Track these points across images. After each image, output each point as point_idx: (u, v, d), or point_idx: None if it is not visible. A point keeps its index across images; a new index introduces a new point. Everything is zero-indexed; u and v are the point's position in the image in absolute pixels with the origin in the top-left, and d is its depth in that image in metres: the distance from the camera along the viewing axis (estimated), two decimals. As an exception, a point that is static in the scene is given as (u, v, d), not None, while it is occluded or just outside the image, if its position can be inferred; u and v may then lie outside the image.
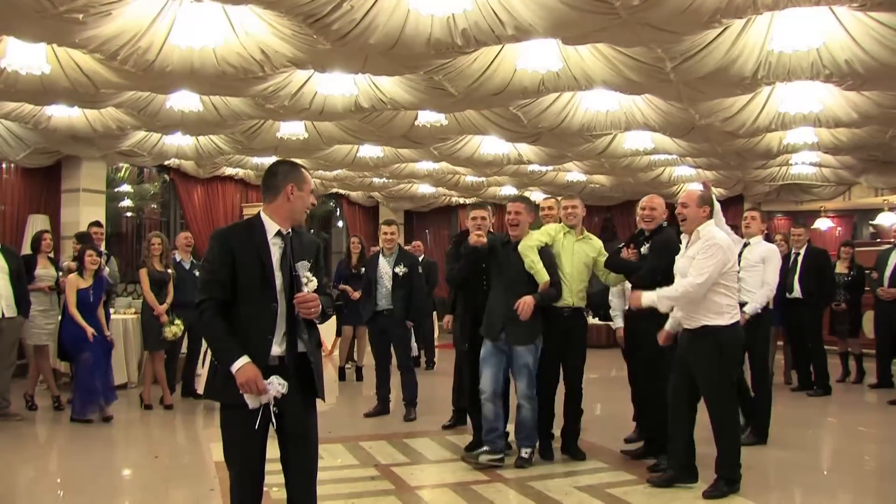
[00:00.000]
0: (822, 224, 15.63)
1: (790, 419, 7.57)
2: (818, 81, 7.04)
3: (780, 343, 10.12)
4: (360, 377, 10.47)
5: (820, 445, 7.33)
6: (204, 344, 7.69)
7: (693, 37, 6.16)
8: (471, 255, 6.17)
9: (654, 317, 5.54)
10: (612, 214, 18.21)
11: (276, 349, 3.34)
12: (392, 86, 7.92)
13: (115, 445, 7.04)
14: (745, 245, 6.88)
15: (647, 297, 5.22)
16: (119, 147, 10.91)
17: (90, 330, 7.58)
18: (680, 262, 5.30)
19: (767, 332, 7.22)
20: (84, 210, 11.34)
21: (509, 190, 16.23)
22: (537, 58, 6.79)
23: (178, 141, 10.95)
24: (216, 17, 6.08)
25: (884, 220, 14.43)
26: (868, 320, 10.32)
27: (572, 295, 6.08)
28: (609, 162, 12.34)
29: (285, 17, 5.78)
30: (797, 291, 9.34)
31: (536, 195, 16.87)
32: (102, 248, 9.22)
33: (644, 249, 5.90)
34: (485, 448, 5.99)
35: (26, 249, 9.65)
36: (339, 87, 7.81)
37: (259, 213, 3.47)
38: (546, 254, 6.00)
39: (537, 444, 6.13)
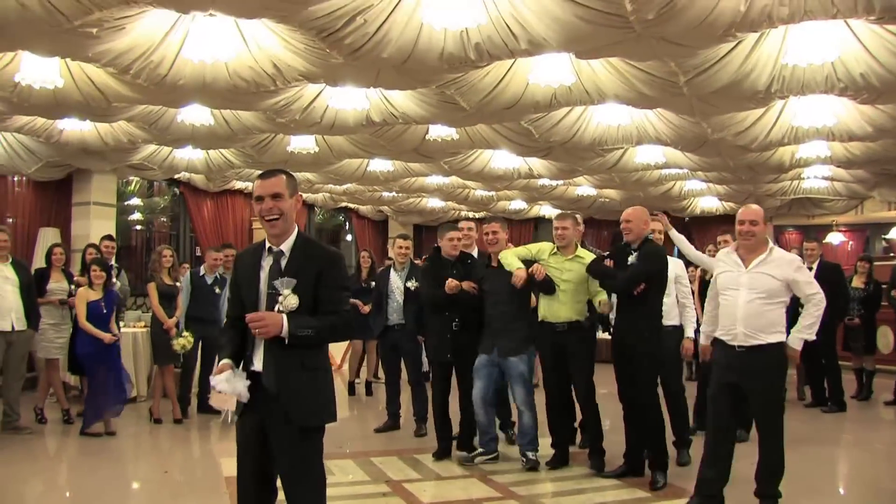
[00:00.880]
0: (834, 238, 15.56)
1: (804, 436, 7.48)
2: (832, 95, 6.99)
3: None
4: (369, 392, 10.42)
5: (835, 463, 7.24)
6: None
7: (707, 51, 6.13)
8: (442, 302, 6.50)
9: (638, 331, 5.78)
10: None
11: (253, 366, 3.36)
12: (404, 100, 7.91)
13: (124, 459, 7.00)
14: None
15: (798, 341, 5.09)
16: (130, 160, 10.94)
17: (107, 336, 7.56)
18: (748, 278, 5.08)
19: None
20: (94, 223, 11.37)
21: (519, 204, 16.22)
22: (550, 72, 6.78)
23: (189, 155, 10.97)
24: (229, 31, 6.09)
25: (897, 234, 14.36)
26: (883, 336, 10.22)
27: (567, 311, 6.14)
28: (620, 176, 12.32)
29: (298, 31, 5.77)
30: (810, 307, 9.23)
31: (546, 210, 16.89)
32: (112, 261, 9.21)
33: (632, 258, 5.91)
34: (480, 450, 6.42)
35: (37, 262, 9.67)
36: (350, 101, 7.81)
37: None
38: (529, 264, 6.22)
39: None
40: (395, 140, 9.68)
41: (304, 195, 15.11)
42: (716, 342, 5.27)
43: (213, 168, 11.58)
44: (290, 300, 3.24)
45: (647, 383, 5.89)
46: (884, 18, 5.31)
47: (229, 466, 3.58)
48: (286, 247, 3.37)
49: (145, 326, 9.50)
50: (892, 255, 14.04)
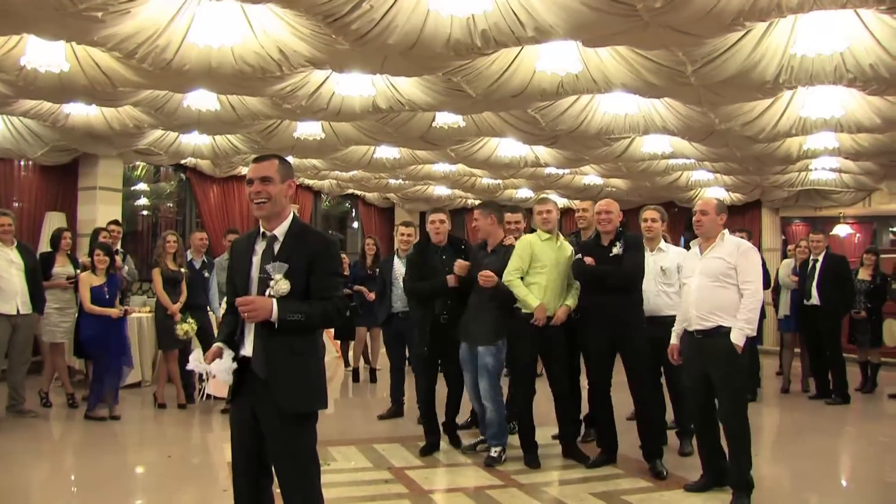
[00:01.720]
0: (842, 230, 15.47)
1: (808, 427, 7.49)
2: (841, 86, 6.94)
3: (797, 350, 10.02)
4: (373, 379, 10.44)
5: (839, 455, 7.23)
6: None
7: (715, 40, 6.09)
8: (440, 290, 6.35)
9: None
10: (628, 219, 18.09)
11: (244, 350, 3.37)
12: (410, 87, 7.88)
13: (128, 444, 7.04)
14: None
15: (740, 336, 5.04)
16: (136, 145, 10.93)
17: (114, 311, 7.60)
18: (702, 264, 5.25)
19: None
20: (100, 208, 11.38)
21: (526, 192, 16.18)
22: (556, 60, 6.74)
23: (195, 140, 10.95)
24: (234, 16, 6.07)
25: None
26: (888, 328, 10.19)
27: (555, 302, 6.03)
28: (626, 165, 12.27)
29: (304, 17, 5.75)
30: (815, 298, 9.23)
31: (553, 198, 16.83)
32: (118, 246, 9.23)
33: (617, 249, 5.94)
34: (480, 438, 6.47)
35: (43, 247, 9.69)
36: (356, 87, 7.78)
37: None
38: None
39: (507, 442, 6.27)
40: (401, 127, 9.65)
41: (310, 182, 15.17)
42: (685, 335, 5.39)
43: (219, 154, 11.56)
44: (281, 285, 3.23)
45: (648, 370, 5.98)
46: (895, 8, 5.27)
47: (231, 452, 3.57)
48: (280, 231, 3.37)
49: (150, 311, 9.52)
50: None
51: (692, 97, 7.70)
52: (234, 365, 3.29)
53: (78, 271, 8.28)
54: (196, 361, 3.34)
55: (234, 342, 3.42)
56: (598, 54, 6.85)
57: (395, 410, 7.99)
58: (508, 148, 11.40)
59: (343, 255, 8.64)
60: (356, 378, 10.59)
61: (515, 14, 5.65)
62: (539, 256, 6.01)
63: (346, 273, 9.85)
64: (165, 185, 14.18)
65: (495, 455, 6.07)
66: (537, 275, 5.98)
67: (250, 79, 6.93)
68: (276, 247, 3.34)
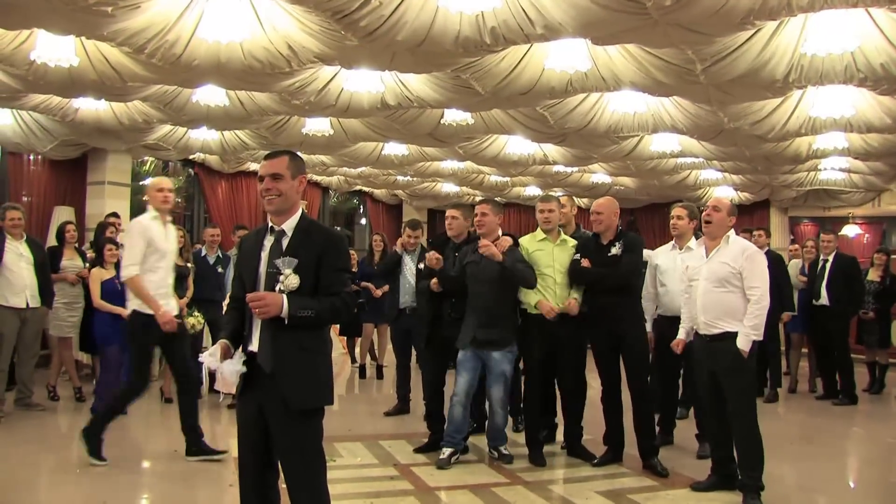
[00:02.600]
0: (850, 231, 15.43)
1: (815, 428, 7.47)
2: (851, 85, 6.91)
3: (804, 350, 9.99)
4: (380, 376, 10.45)
5: (845, 456, 7.20)
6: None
7: (724, 38, 6.07)
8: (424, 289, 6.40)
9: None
10: (637, 217, 18.09)
11: (251, 345, 3.36)
12: (419, 84, 7.88)
13: (134, 438, 7.06)
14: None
15: (746, 342, 5.04)
16: (145, 140, 10.95)
17: (125, 312, 7.61)
18: (707, 268, 5.25)
19: None
20: (109, 202, 11.38)
21: (534, 190, 16.16)
22: (566, 57, 6.73)
23: (204, 135, 10.98)
24: (244, 12, 6.08)
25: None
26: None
27: (557, 300, 5.99)
28: (635, 164, 12.25)
29: (313, 13, 5.76)
30: (824, 298, 9.20)
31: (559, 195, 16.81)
32: (119, 239, 9.24)
33: (616, 249, 5.91)
34: (451, 449, 5.95)
35: (51, 241, 9.71)
36: (365, 84, 7.78)
37: None
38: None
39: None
40: (409, 124, 9.65)
41: (319, 178, 15.17)
42: (696, 337, 5.44)
43: (227, 149, 11.59)
44: (291, 280, 3.22)
45: (646, 369, 6.07)
46: (906, 7, 5.25)
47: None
48: (288, 227, 3.37)
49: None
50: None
51: (701, 96, 7.69)
52: (243, 369, 3.28)
53: (87, 266, 8.30)
54: (209, 356, 3.32)
55: (240, 338, 3.42)
56: (607, 52, 6.84)
57: (401, 407, 7.99)
58: (517, 145, 11.41)
59: (351, 252, 8.63)
60: (363, 374, 10.59)
61: (525, 11, 5.65)
62: (535, 261, 6.01)
63: (354, 269, 9.85)
64: (174, 180, 14.19)
65: (507, 453, 6.06)
66: (538, 277, 5.98)
67: (259, 74, 6.95)
68: (285, 242, 3.34)
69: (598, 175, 14.25)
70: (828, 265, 9.29)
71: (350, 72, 7.51)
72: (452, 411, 5.98)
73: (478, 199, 17.28)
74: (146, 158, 13.03)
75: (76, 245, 8.55)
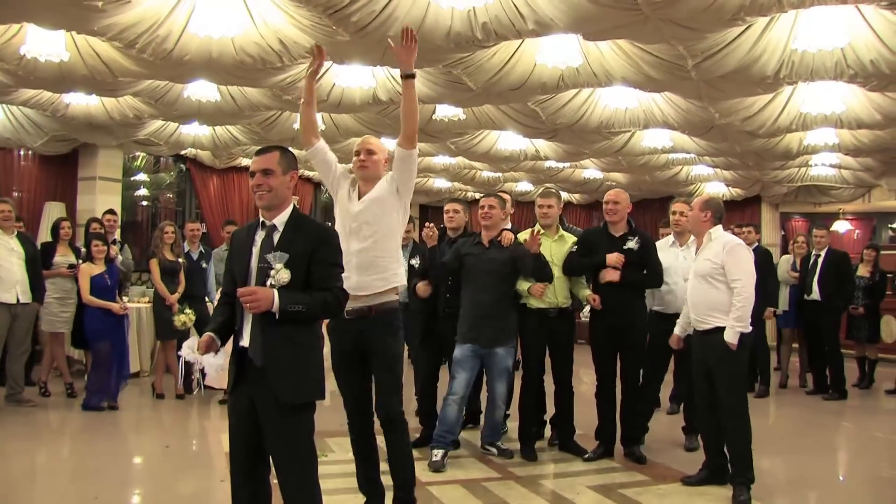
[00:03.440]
0: (841, 226, 15.49)
1: (805, 423, 7.50)
2: (842, 82, 6.94)
3: (795, 346, 10.04)
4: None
5: (835, 451, 7.24)
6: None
7: (715, 34, 6.08)
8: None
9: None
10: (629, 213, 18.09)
11: (242, 340, 3.36)
12: (410, 79, 7.86)
13: (126, 434, 7.05)
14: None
15: (733, 335, 5.06)
16: (136, 136, 10.92)
17: (116, 307, 7.62)
18: (695, 265, 5.32)
19: None
20: (100, 198, 11.37)
21: (526, 186, 16.17)
22: (557, 53, 6.74)
23: (195, 131, 10.94)
24: (235, 7, 6.07)
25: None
26: (886, 325, 10.20)
27: (556, 296, 5.99)
28: (626, 160, 12.27)
29: (304, 8, 5.75)
30: (816, 293, 9.25)
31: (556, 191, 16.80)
32: (117, 235, 9.23)
33: (632, 244, 5.90)
34: (442, 451, 5.79)
35: (42, 237, 9.69)
36: (357, 79, 7.78)
37: None
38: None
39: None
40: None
41: (311, 173, 15.13)
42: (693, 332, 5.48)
43: (219, 144, 11.55)
44: (282, 274, 3.21)
45: (643, 364, 6.11)
46: (895, 4, 5.27)
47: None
48: (279, 221, 3.37)
49: (149, 302, 9.53)
50: (898, 243, 13.98)
51: (692, 92, 7.70)
52: (224, 363, 3.30)
53: (80, 261, 8.29)
54: (189, 349, 3.34)
55: (227, 332, 3.43)
56: (598, 48, 6.85)
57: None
58: (508, 141, 11.40)
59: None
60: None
61: (516, 7, 5.66)
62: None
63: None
64: (165, 175, 14.16)
65: (505, 447, 6.10)
66: None
67: (250, 70, 6.93)
68: (276, 237, 3.34)
69: (590, 171, 14.27)
70: (820, 260, 9.33)
71: (342, 67, 7.50)
72: (447, 410, 5.87)
73: (469, 194, 17.34)
74: (137, 154, 12.98)
75: (69, 241, 8.52)
